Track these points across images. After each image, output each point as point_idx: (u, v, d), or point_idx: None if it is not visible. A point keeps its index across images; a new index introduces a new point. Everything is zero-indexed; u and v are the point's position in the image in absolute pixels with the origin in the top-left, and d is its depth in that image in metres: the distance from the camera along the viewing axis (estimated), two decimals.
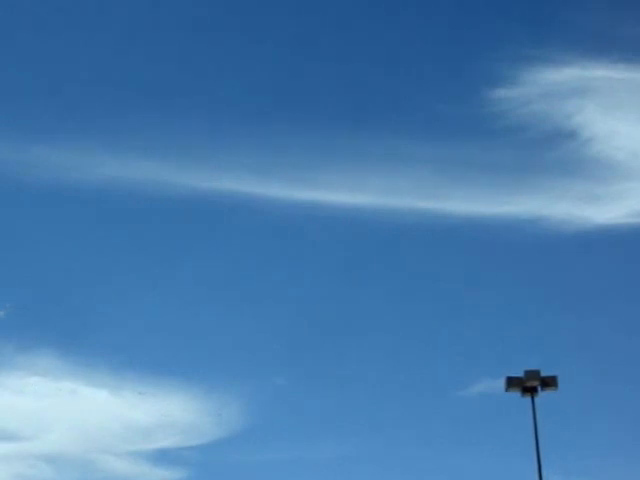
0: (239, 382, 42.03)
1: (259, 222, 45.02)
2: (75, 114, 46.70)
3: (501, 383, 25.46)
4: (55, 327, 43.10)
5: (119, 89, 48.23)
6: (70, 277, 44.16)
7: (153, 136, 45.65)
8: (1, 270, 44.33)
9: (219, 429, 40.44)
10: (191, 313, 44.37)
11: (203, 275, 45.35)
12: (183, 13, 49.75)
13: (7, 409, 41.02)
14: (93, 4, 49.27)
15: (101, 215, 46.43)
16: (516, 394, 25.27)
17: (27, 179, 44.61)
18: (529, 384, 24.98)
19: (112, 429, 41.34)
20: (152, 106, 47.62)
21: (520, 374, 25.27)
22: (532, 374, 25.00)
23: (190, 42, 49.42)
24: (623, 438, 38.25)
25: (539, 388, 25.08)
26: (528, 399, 25.17)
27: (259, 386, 42.23)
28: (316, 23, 49.38)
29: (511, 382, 25.12)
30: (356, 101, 47.89)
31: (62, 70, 48.27)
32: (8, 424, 40.77)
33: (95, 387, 41.84)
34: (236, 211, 45.21)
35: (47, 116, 46.81)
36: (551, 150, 44.34)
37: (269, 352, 42.76)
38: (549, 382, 25.10)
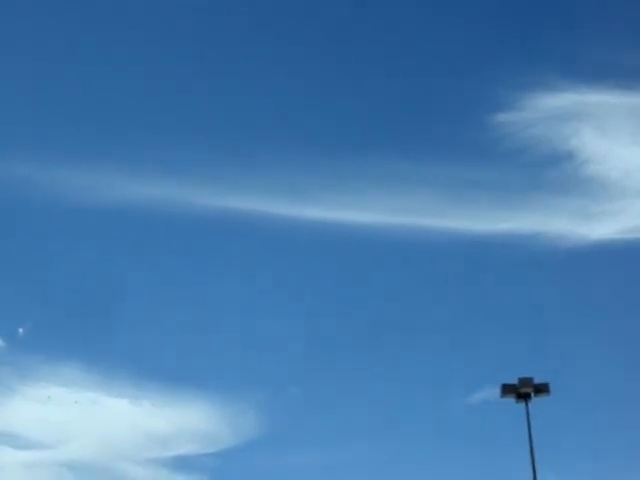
0: (255, 391, 42.65)
1: (269, 239, 45.86)
2: (97, 138, 47.75)
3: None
4: (78, 340, 43.65)
5: (137, 113, 49.92)
6: (92, 292, 44.64)
7: (168, 158, 46.76)
8: (26, 284, 45.44)
9: (236, 436, 40.79)
10: (207, 325, 45.19)
11: (218, 287, 46.35)
12: (200, 38, 50.96)
13: (32, 418, 41.61)
14: (120, 35, 50.70)
15: (121, 232, 47.46)
16: (511, 400, 26.03)
17: (52, 199, 45.78)
18: (523, 391, 25.78)
19: (132, 437, 41.80)
20: (168, 129, 48.86)
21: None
22: (525, 381, 25.82)
23: (205, 64, 50.66)
24: (612, 440, 39.38)
25: (532, 394, 25.84)
26: (522, 405, 25.91)
27: (274, 394, 42.85)
28: (325, 50, 50.78)
29: (506, 389, 25.98)
30: (362, 124, 49.12)
31: (82, 94, 49.56)
32: (32, 433, 41.40)
33: (115, 397, 42.35)
34: (247, 228, 45.83)
35: (71, 140, 47.58)
36: (549, 171, 45.02)
37: (283, 363, 43.69)
38: (542, 389, 25.92)
